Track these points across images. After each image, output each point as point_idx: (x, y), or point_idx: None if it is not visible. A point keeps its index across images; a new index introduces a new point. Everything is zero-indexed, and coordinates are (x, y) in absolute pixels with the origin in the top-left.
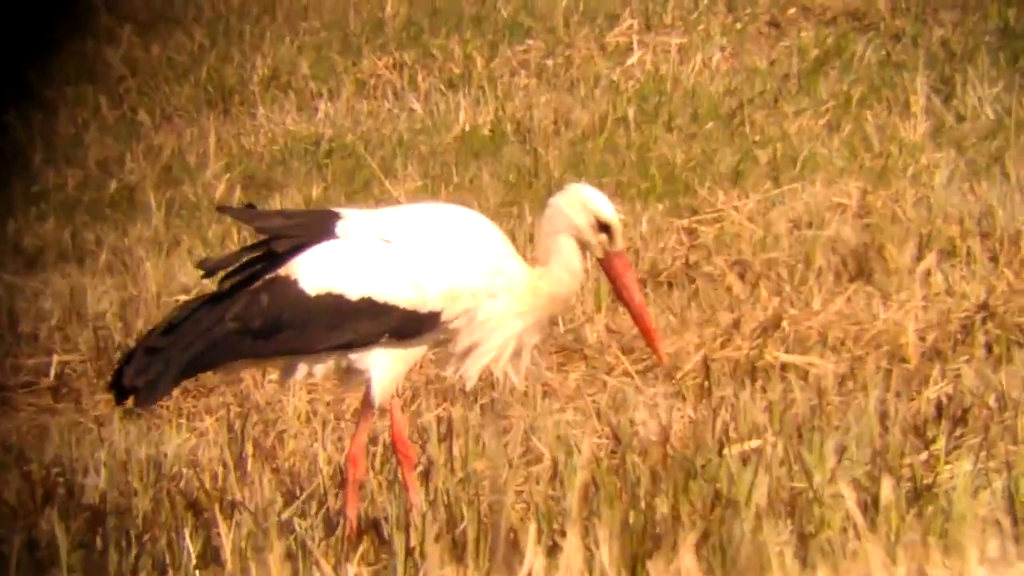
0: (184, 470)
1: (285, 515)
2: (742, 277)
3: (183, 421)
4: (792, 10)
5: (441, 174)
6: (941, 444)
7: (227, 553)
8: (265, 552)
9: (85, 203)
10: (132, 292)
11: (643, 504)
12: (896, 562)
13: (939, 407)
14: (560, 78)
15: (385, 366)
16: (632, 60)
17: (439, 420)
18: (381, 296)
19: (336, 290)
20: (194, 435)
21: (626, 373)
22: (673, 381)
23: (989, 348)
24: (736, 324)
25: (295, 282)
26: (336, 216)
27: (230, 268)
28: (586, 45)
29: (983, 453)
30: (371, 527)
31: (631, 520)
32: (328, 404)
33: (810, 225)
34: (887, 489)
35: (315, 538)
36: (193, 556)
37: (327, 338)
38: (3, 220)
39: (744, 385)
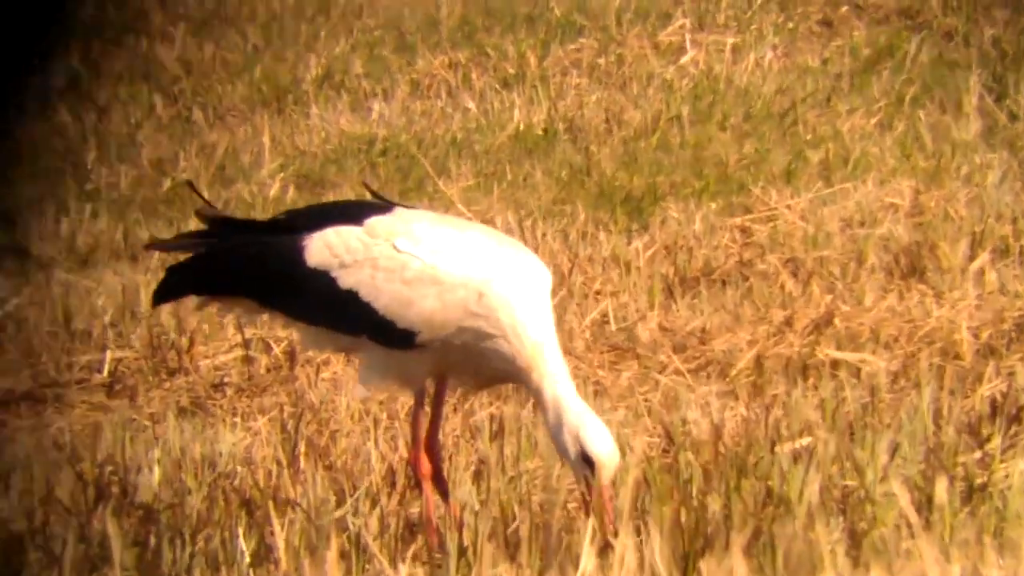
0: (238, 468)
1: (338, 514)
2: (795, 275)
3: (237, 420)
4: (844, 9)
5: (494, 172)
6: (996, 443)
7: (281, 551)
8: (320, 550)
9: (138, 202)
10: None
11: (695, 503)
12: (950, 561)
13: (993, 405)
14: (612, 77)
15: (373, 359)
16: (685, 59)
17: (491, 419)
18: (363, 296)
19: (332, 272)
20: (248, 434)
21: (678, 372)
22: (726, 379)
23: None
24: (788, 321)
25: (303, 248)
26: (381, 209)
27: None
28: (638, 44)
29: None
30: (424, 526)
31: (683, 519)
32: (381, 403)
33: (862, 224)
34: (941, 488)
35: (370, 536)
36: (247, 554)
37: (318, 314)
38: (57, 218)
39: (796, 383)
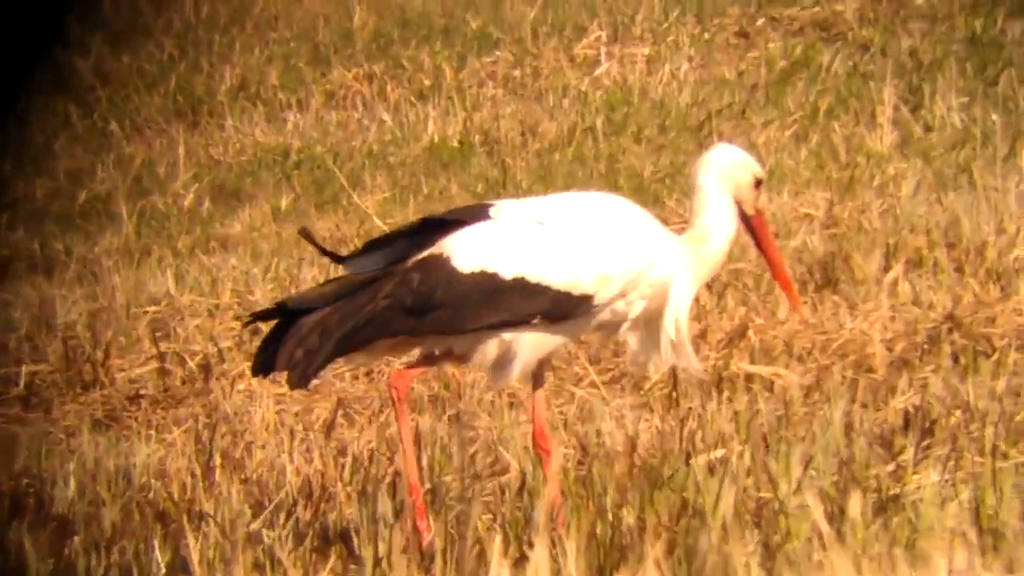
0: (153, 481)
1: (253, 526)
2: (709, 287)
3: (152, 432)
4: (760, 20)
5: (410, 185)
6: (908, 455)
7: (195, 564)
8: (234, 563)
9: (54, 213)
10: (101, 302)
11: (610, 515)
12: (862, 573)
13: (906, 417)
14: (528, 89)
15: (532, 347)
16: (600, 71)
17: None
18: (534, 276)
19: (490, 269)
20: (163, 446)
21: (593, 384)
22: (640, 392)
23: (955, 358)
24: (703, 334)
25: (447, 260)
26: (489, 205)
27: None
28: (554, 56)
29: (950, 464)
30: (339, 538)
31: (598, 531)
32: (296, 415)
33: (777, 235)
34: (854, 500)
35: (284, 549)
36: (162, 566)
37: (480, 317)
38: None
39: (711, 395)
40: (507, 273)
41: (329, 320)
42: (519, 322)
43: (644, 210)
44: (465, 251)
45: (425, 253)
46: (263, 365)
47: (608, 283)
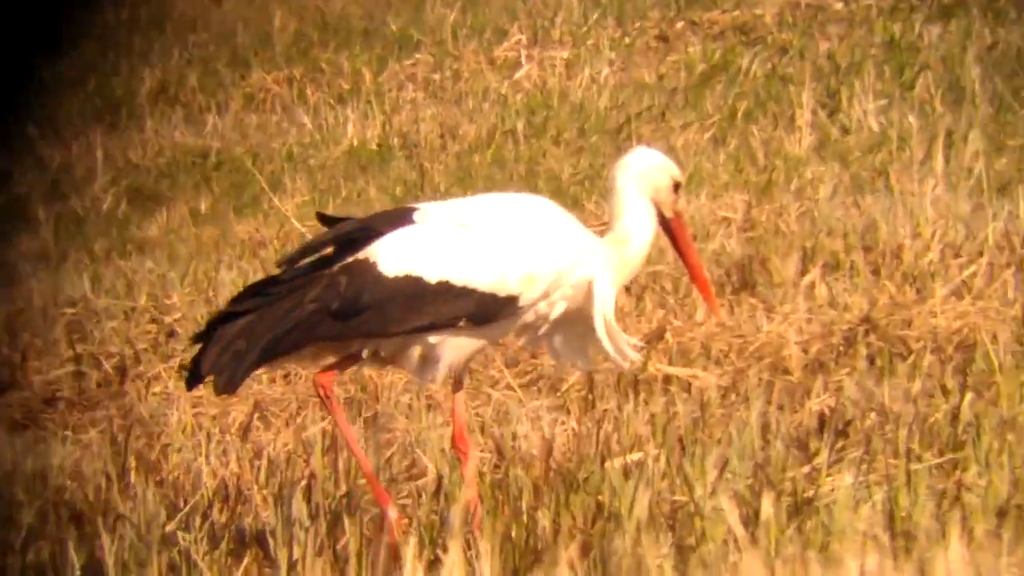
0: (69, 483)
1: (169, 528)
2: (627, 289)
3: (68, 434)
4: (680, 24)
5: (329, 188)
6: (823, 457)
7: (109, 566)
8: (147, 566)
9: None
10: (19, 305)
11: (525, 517)
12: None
13: (821, 420)
14: (448, 92)
15: (457, 350)
16: (520, 74)
17: (324, 433)
18: (459, 279)
19: (415, 273)
20: (79, 448)
21: (509, 387)
22: (557, 394)
23: (871, 360)
24: None
25: (374, 265)
26: (413, 208)
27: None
28: (475, 59)
29: (864, 466)
30: (255, 541)
31: (513, 533)
32: (213, 418)
33: (695, 238)
34: (767, 503)
35: (199, 552)
36: (77, 568)
37: (405, 320)
38: None
39: (628, 398)
40: (432, 276)
41: (255, 325)
42: (444, 325)
43: (566, 212)
44: (391, 255)
45: (351, 258)
46: (192, 375)
47: (533, 283)
